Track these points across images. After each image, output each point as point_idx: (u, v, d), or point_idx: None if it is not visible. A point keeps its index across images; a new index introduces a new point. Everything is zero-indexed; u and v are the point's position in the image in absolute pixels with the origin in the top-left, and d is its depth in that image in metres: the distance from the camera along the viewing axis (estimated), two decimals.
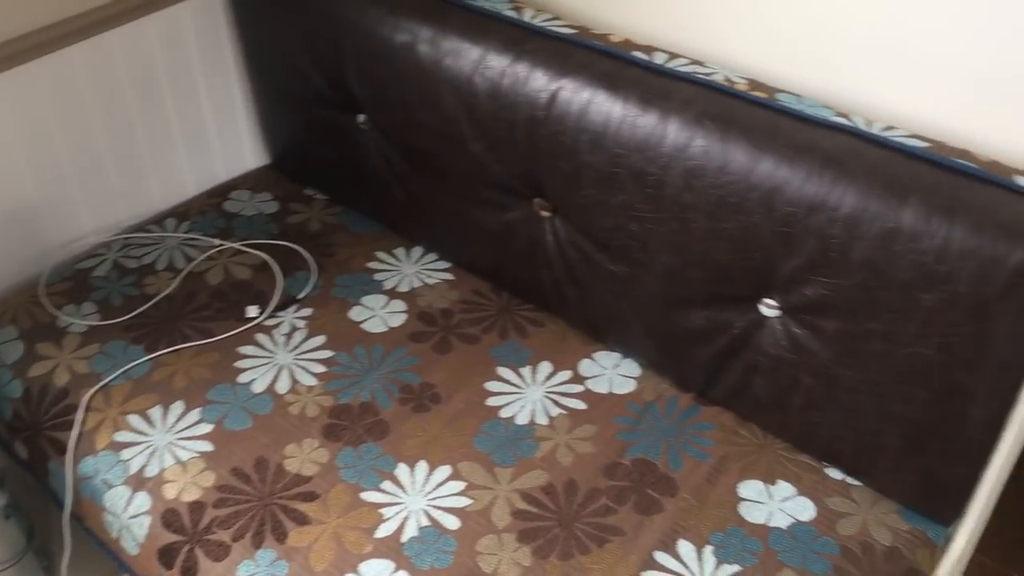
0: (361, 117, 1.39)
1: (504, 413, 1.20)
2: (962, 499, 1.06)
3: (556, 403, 1.21)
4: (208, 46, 1.48)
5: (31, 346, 1.28)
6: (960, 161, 0.98)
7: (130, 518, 1.11)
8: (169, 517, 1.10)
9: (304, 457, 1.15)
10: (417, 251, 1.45)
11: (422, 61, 1.24)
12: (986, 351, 0.94)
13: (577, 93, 1.13)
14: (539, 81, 1.16)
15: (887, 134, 1.02)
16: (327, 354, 1.28)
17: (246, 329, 1.31)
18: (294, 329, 1.31)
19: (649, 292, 1.17)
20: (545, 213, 1.25)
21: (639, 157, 1.09)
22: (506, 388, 1.23)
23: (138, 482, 1.13)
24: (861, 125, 1.04)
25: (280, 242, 1.45)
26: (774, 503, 1.10)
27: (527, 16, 1.24)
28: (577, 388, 1.24)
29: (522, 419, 1.19)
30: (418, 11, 1.26)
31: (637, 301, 1.20)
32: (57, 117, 1.33)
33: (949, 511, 1.08)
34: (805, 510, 1.10)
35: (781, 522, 1.08)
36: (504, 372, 1.25)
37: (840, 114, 1.07)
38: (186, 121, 1.50)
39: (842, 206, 0.97)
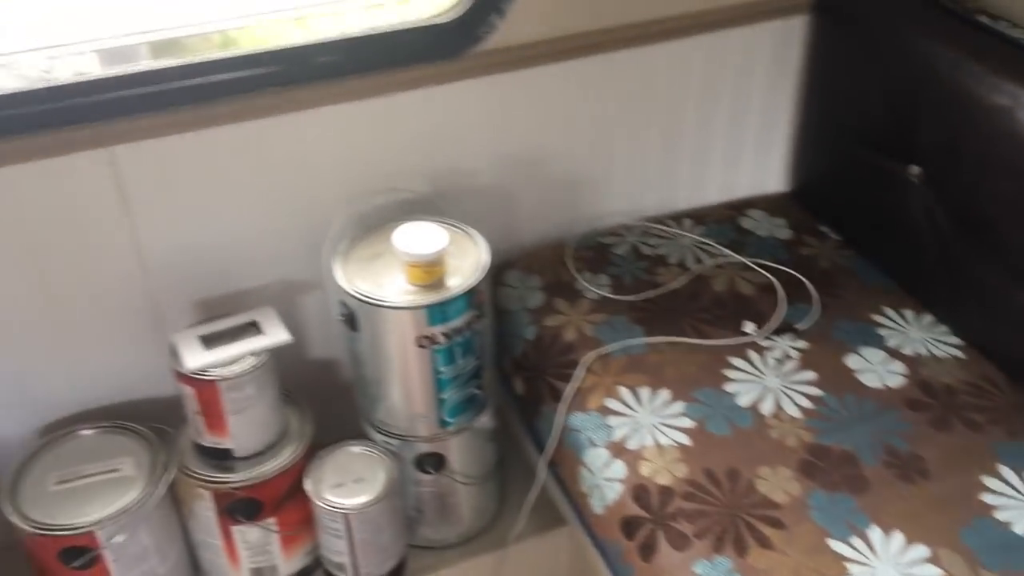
0: (913, 168, 1.35)
1: (999, 516, 1.10)
2: None
3: None
4: (776, 67, 1.52)
5: (550, 299, 1.41)
6: None
7: (604, 480, 1.19)
8: (639, 492, 1.15)
9: (776, 483, 1.14)
10: (927, 318, 1.37)
11: (1018, 128, 1.16)
12: None
13: None
14: None
15: None
16: (815, 391, 1.26)
17: (740, 343, 1.33)
18: (787, 357, 1.31)
19: None
20: None
21: None
22: (1006, 490, 1.13)
23: (618, 450, 1.20)
24: None
25: (787, 269, 1.45)
26: None
27: None
28: None
29: (1021, 530, 1.09)
30: None
31: None
32: (623, 104, 1.45)
33: None
34: None
35: None
36: (1006, 473, 1.15)
37: None
38: (731, 133, 1.55)
39: None
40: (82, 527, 1.18)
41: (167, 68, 1.21)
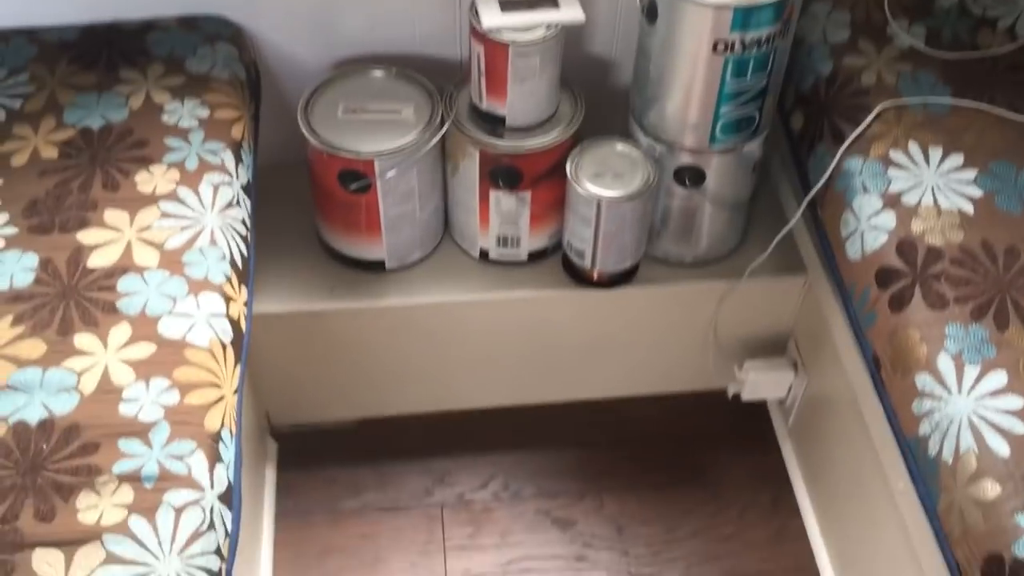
0: None
1: None
2: None
3: None
4: None
5: (855, 37, 1.31)
6: None
7: (869, 226, 1.14)
8: (905, 247, 1.11)
9: None
10: None
11: None
12: None
13: None
14: None
15: None
16: None
17: None
18: None
19: None
20: None
21: None
22: None
23: (892, 201, 1.15)
24: None
25: None
26: None
27: None
28: None
29: None
30: None
31: None
32: None
33: None
34: None
35: None
36: None
37: None
38: None
39: None
40: (363, 154, 1.27)
41: None
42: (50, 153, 1.15)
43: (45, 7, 1.30)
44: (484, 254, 1.43)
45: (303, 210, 1.44)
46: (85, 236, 1.07)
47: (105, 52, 1.27)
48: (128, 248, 1.07)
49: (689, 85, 1.22)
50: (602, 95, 1.48)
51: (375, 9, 1.37)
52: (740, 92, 1.22)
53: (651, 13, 1.19)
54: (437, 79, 1.35)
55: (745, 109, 1.24)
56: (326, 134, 1.29)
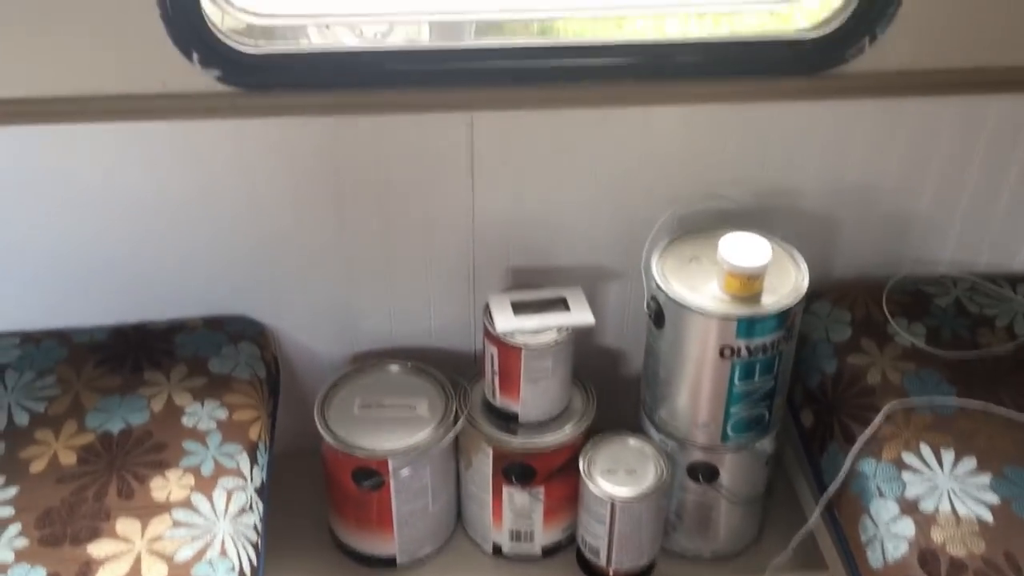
0: None
1: None
2: None
3: None
4: None
5: (857, 336, 1.35)
6: None
7: (889, 534, 1.13)
8: (927, 557, 1.09)
9: None
10: None
11: None
12: None
13: None
14: None
15: None
16: None
17: None
18: None
19: None
20: None
21: None
22: None
23: (909, 508, 1.14)
24: None
25: None
26: None
27: None
28: None
29: None
30: None
31: None
32: (980, 151, 1.35)
33: None
34: None
35: None
36: None
37: None
38: None
39: None
40: (378, 452, 1.28)
41: (534, 46, 1.28)
42: (69, 459, 1.17)
43: (76, 309, 1.36)
44: (497, 549, 1.41)
45: (316, 499, 1.43)
46: (96, 548, 1.07)
47: (132, 353, 1.31)
48: (137, 561, 1.06)
49: (698, 387, 1.24)
50: (613, 384, 1.51)
51: (394, 305, 1.43)
52: (749, 393, 1.24)
53: (658, 319, 1.24)
54: (452, 371, 1.39)
55: (755, 409, 1.26)
56: (341, 431, 1.30)
